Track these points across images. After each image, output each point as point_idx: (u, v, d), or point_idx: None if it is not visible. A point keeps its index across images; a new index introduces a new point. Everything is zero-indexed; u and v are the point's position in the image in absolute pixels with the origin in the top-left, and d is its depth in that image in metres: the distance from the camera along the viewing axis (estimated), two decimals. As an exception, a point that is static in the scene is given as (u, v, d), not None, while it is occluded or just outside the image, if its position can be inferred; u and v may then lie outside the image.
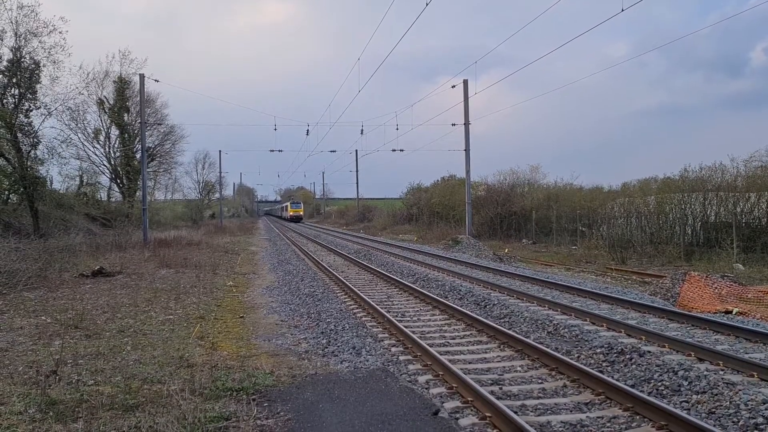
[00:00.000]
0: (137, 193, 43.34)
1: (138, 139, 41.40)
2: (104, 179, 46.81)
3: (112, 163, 46.09)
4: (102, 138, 45.49)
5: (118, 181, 46.55)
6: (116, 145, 46.07)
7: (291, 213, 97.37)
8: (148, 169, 40.99)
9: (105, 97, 44.45)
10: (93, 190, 44.53)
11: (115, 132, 46.14)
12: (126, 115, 45.39)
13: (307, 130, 41.88)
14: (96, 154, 45.08)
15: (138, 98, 35.35)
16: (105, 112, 44.82)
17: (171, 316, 11.26)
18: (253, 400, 6.21)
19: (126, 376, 7.11)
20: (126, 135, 45.65)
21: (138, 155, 42.24)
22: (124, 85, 44.38)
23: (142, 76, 31.70)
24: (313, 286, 15.39)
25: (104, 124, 45.57)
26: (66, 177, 39.83)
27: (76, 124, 42.36)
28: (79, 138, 42.51)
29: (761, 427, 5.36)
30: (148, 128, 41.31)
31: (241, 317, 11.47)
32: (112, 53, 71.14)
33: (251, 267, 21.56)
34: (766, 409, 5.58)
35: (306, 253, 26.51)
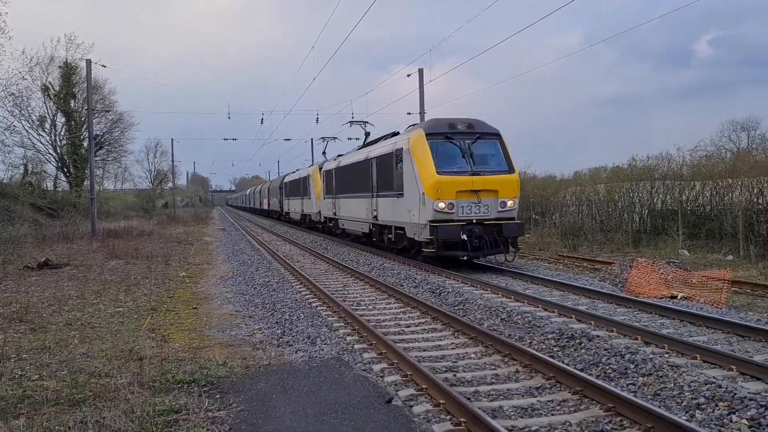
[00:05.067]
0: (85, 183, 42.17)
1: (85, 126, 40.17)
2: (50, 168, 45.50)
3: (59, 151, 44.67)
4: (47, 125, 44.08)
5: (65, 170, 45.16)
6: (62, 133, 44.69)
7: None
8: (96, 158, 39.84)
9: (50, 83, 43.02)
10: (38, 179, 43.18)
11: (61, 119, 44.80)
12: (72, 101, 44.05)
13: (262, 119, 41.66)
14: (41, 142, 43.67)
15: (85, 84, 34.18)
16: (50, 98, 43.37)
17: (121, 309, 10.98)
18: (205, 392, 6.12)
19: (72, 370, 6.91)
20: (73, 122, 44.29)
21: (85, 143, 41.03)
22: (71, 71, 43.00)
23: (89, 62, 30.64)
24: (268, 276, 15.24)
25: (50, 111, 44.15)
26: (9, 166, 38.67)
27: (20, 111, 40.96)
28: (23, 125, 41.13)
29: (702, 406, 5.56)
30: (96, 115, 40.09)
31: (194, 308, 11.27)
32: (57, 37, 68.93)
33: (205, 257, 21.20)
34: (707, 390, 5.78)
35: (261, 243, 26.22)
